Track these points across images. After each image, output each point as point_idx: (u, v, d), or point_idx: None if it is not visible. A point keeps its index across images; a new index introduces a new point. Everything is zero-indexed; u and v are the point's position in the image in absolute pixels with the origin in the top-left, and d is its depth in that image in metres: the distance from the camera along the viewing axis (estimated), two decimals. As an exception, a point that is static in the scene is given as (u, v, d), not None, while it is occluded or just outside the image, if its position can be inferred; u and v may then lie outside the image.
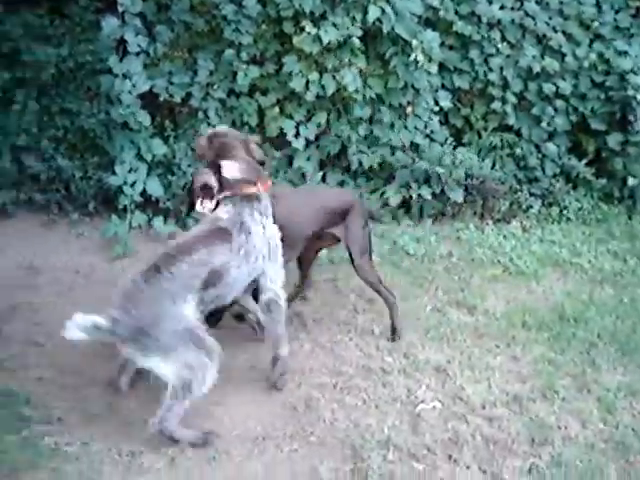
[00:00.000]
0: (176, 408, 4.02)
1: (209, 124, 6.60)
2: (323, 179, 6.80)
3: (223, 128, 4.82)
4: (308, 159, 6.78)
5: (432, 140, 7.03)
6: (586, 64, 7.30)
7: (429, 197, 6.82)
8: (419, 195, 6.82)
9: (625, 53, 7.30)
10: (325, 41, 6.37)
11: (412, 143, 6.91)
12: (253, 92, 6.81)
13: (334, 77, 6.55)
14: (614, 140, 7.39)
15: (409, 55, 6.54)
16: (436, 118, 7.04)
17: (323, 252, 5.90)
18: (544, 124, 7.33)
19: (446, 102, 7.08)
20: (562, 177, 7.42)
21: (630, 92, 7.17)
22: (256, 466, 4.01)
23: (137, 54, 6.38)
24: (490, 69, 7.22)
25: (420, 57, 6.53)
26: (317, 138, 6.84)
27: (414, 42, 6.50)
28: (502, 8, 7.21)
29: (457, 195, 6.88)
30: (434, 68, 6.75)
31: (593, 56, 7.30)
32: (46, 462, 4.01)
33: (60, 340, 4.97)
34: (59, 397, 4.49)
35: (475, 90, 7.33)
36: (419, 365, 4.90)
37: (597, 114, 7.41)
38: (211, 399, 4.31)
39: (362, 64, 6.64)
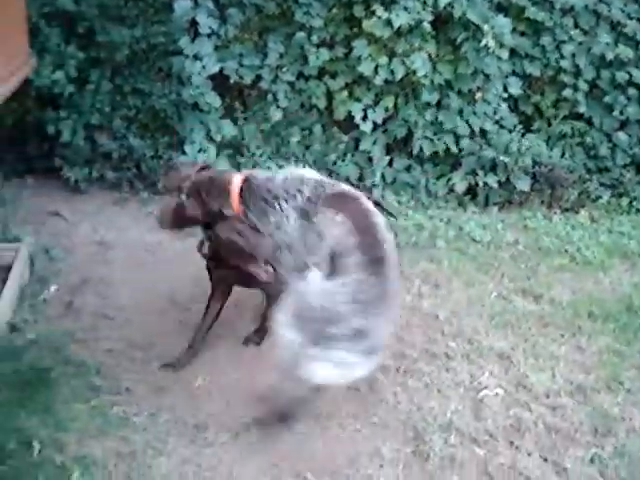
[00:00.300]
0: None
1: (278, 106, 6.66)
2: (390, 164, 6.80)
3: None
4: (374, 143, 6.79)
5: (501, 127, 6.97)
6: (661, 52, 7.16)
7: (495, 185, 6.77)
8: (485, 183, 6.78)
9: (702, 41, 7.13)
10: (395, 25, 6.37)
11: (480, 129, 6.86)
12: (322, 75, 6.85)
13: (403, 62, 6.55)
14: (688, 131, 7.24)
15: (480, 41, 6.50)
16: (505, 105, 6.98)
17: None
18: (616, 113, 7.20)
19: (516, 89, 7.01)
20: (633, 167, 7.28)
21: None
22: (318, 443, 4.07)
23: (208, 36, 6.48)
24: (562, 56, 7.11)
25: (491, 43, 6.48)
26: (384, 122, 6.84)
27: (485, 27, 6.45)
28: (576, -6, 7.10)
29: (523, 184, 6.82)
30: (505, 54, 6.69)
31: (668, 45, 7.15)
32: (114, 431, 4.12)
33: (130, 314, 5.17)
34: (128, 369, 4.61)
35: (546, 77, 7.23)
36: (483, 351, 4.88)
37: (671, 103, 7.26)
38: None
39: (432, 49, 6.62)
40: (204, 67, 6.42)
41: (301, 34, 6.66)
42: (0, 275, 5.34)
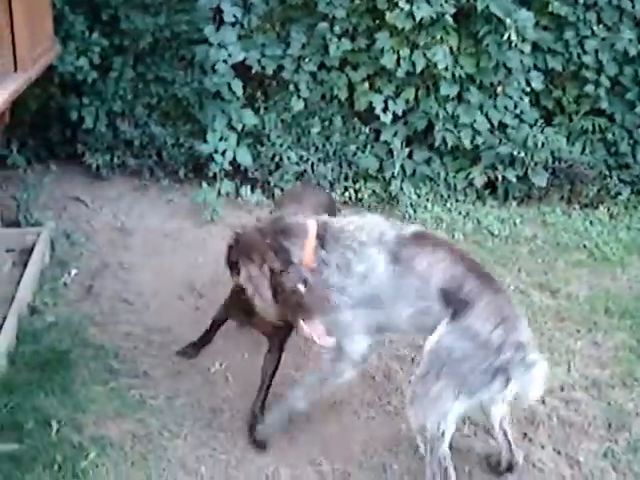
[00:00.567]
0: None
1: (299, 96, 6.69)
2: (409, 156, 6.81)
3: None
4: (395, 135, 6.78)
5: (521, 121, 6.93)
6: (685, 49, 7.10)
7: (514, 179, 6.76)
8: (504, 177, 6.77)
9: None
10: (418, 17, 6.35)
11: (500, 123, 6.85)
12: (344, 66, 6.84)
13: (425, 54, 6.53)
14: None
15: (502, 34, 6.47)
16: (527, 99, 6.95)
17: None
18: (638, 109, 7.15)
19: (538, 83, 6.98)
20: (654, 165, 7.24)
21: None
22: (333, 429, 4.11)
23: (232, 25, 6.49)
24: (585, 51, 7.06)
25: (513, 36, 6.45)
26: (404, 114, 6.84)
27: (508, 21, 6.42)
28: (599, -11, 7.06)
29: (541, 179, 6.80)
30: (527, 48, 6.66)
31: (692, 41, 7.09)
32: (132, 413, 4.19)
33: (148, 299, 5.22)
34: (146, 353, 4.68)
35: (568, 72, 7.18)
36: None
37: (694, 101, 7.20)
38: (292, 363, 4.45)
39: (454, 42, 6.60)
40: (230, 55, 6.44)
41: (324, 25, 6.66)
42: (22, 258, 5.42)
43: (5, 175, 6.58)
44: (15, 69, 4.96)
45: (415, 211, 6.56)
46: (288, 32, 6.83)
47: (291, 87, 6.75)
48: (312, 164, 6.69)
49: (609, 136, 7.14)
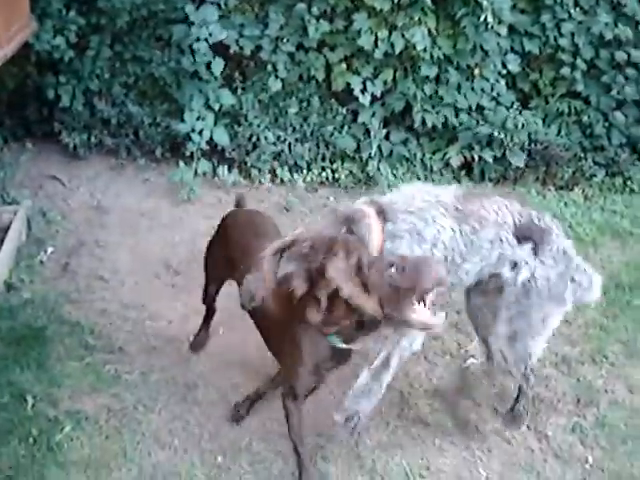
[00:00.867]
0: None
1: (277, 77, 6.69)
2: (387, 137, 6.84)
3: None
4: (372, 115, 6.80)
5: (498, 103, 6.98)
6: (660, 33, 7.17)
7: (490, 160, 6.82)
8: (480, 157, 6.83)
9: (702, 23, 7.14)
10: (396, -1, 6.39)
11: (477, 105, 6.89)
12: (322, 47, 6.85)
13: (403, 35, 6.55)
14: (684, 112, 7.26)
15: (479, 16, 6.51)
16: (503, 81, 6.99)
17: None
18: (613, 92, 7.20)
19: (514, 66, 7.02)
20: (628, 147, 7.29)
21: None
22: (307, 405, 4.16)
23: (212, 3, 6.49)
24: (561, 34, 7.10)
25: (490, 19, 6.48)
26: (382, 95, 6.86)
27: (485, 3, 6.44)
28: (577, -27, 7.10)
29: (518, 160, 6.86)
30: (504, 30, 6.69)
31: (668, 25, 7.15)
32: (107, 388, 4.24)
33: (124, 276, 5.25)
34: (121, 329, 4.72)
35: (544, 55, 7.23)
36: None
37: (669, 84, 7.27)
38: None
39: (432, 23, 6.62)
40: (210, 34, 6.44)
41: (302, 5, 6.65)
42: (-2, 236, 5.43)
43: (-19, 154, 6.57)
44: (-10, 46, 4.95)
45: (392, 191, 6.56)
46: (266, 13, 6.81)
47: (269, 67, 6.75)
48: (289, 144, 6.71)
49: (584, 118, 7.20)
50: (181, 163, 6.49)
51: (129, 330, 4.71)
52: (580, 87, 7.19)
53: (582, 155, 7.14)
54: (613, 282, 5.61)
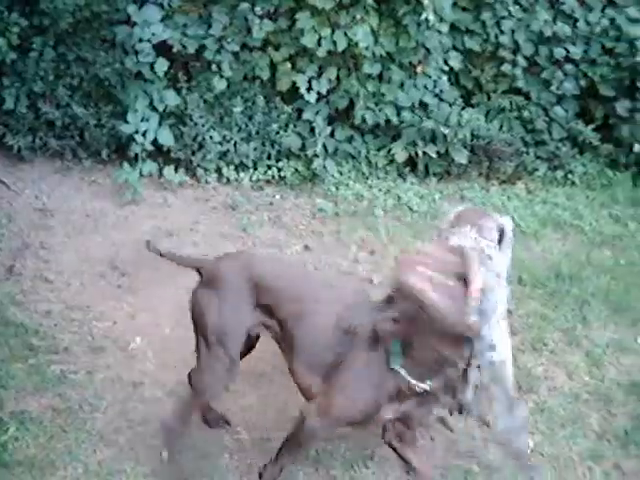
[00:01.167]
0: None
1: (222, 76, 6.72)
2: (332, 134, 6.91)
3: None
4: (317, 113, 6.86)
5: (441, 100, 7.09)
6: (597, 30, 7.31)
7: (434, 156, 6.92)
8: (424, 153, 6.93)
9: (637, 20, 7.29)
10: (338, -2, 6.46)
11: (421, 102, 6.99)
12: (266, 46, 6.90)
13: (346, 34, 6.63)
14: (622, 107, 7.40)
15: (421, 14, 6.60)
16: (446, 78, 7.11)
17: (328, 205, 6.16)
18: (553, 88, 7.35)
19: (456, 63, 7.14)
20: (569, 141, 7.45)
21: (638, 59, 7.19)
22: (251, 399, 4.22)
23: (155, 3, 6.50)
24: (502, 32, 7.24)
25: (431, 17, 6.57)
26: (328, 94, 6.93)
27: (426, 2, 6.51)
28: (516, -29, 7.24)
29: (461, 156, 6.97)
30: (445, 28, 6.80)
31: (605, 22, 7.29)
32: (52, 388, 4.24)
33: (69, 278, 5.25)
34: (66, 329, 4.73)
35: (486, 52, 7.36)
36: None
37: (606, 80, 7.42)
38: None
39: (374, 22, 6.70)
40: (153, 34, 6.45)
41: (245, 5, 6.69)
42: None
43: None
44: None
45: (337, 189, 6.67)
46: (210, 13, 6.84)
47: (213, 67, 6.76)
48: (235, 143, 6.74)
49: (525, 114, 7.33)
50: (125, 164, 6.47)
51: (74, 331, 4.72)
52: (521, 83, 7.34)
53: (524, 150, 7.28)
54: (554, 273, 5.76)
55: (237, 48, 6.80)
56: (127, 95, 6.66)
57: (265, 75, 6.88)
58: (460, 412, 3.82)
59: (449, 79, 7.19)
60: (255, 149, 6.78)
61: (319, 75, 6.83)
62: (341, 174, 6.82)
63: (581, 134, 7.41)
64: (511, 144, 7.18)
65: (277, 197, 6.56)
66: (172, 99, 6.66)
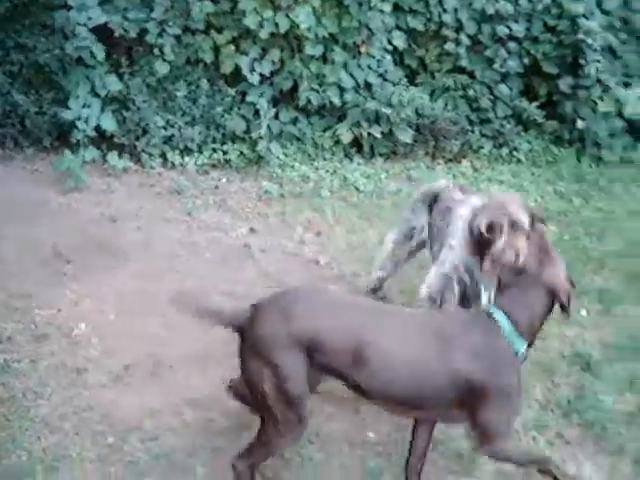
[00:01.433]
0: None
1: (164, 60, 6.66)
2: (276, 116, 6.90)
3: None
4: (261, 96, 6.85)
5: (385, 80, 7.12)
6: (539, 7, 7.39)
7: (379, 136, 6.94)
8: (369, 134, 6.95)
9: (577, -3, 7.41)
10: (280, -21, 6.43)
11: (365, 82, 7.00)
12: (208, 29, 6.86)
13: (288, 15, 6.61)
14: (565, 84, 7.50)
15: (362, -6, 6.62)
16: (390, 58, 7.13)
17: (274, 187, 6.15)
18: (497, 66, 7.42)
19: (400, 42, 7.16)
20: (513, 119, 7.53)
21: (581, 36, 7.28)
22: (197, 380, 4.20)
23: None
24: (444, 10, 7.29)
25: (374, -3, 6.62)
26: (271, 75, 6.91)
27: (367, -19, 6.57)
28: (456, -51, 7.27)
29: (406, 135, 7.00)
30: (388, 8, 6.84)
31: (546, 0, 7.40)
32: (-5, 377, 4.17)
33: (11, 266, 5.16)
34: (9, 318, 4.64)
35: (430, 31, 7.40)
36: (361, 293, 5.04)
37: (549, 57, 7.51)
38: (160, 322, 4.51)
39: (316, 3, 6.71)
40: (90, 18, 6.36)
41: (187, -12, 6.66)
42: None
43: None
44: None
45: (283, 170, 6.66)
46: (151, -4, 6.79)
47: (156, 51, 6.72)
48: (179, 128, 6.70)
49: (470, 92, 7.40)
50: (67, 151, 6.38)
51: (17, 319, 4.63)
52: (465, 62, 7.40)
53: (469, 128, 7.35)
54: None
55: (179, 31, 6.75)
56: (68, 81, 6.58)
57: (208, 58, 6.85)
58: None
59: (393, 59, 7.22)
60: (200, 133, 6.75)
61: (262, 57, 6.81)
62: (287, 156, 6.81)
63: (525, 111, 7.49)
64: (456, 123, 7.24)
65: (223, 180, 6.54)
66: (114, 84, 6.60)
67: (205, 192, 6.30)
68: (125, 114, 6.65)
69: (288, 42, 6.85)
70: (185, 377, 4.25)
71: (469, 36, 7.38)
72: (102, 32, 6.54)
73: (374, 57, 7.04)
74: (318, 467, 3.74)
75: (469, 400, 3.24)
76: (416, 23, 7.27)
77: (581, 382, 4.48)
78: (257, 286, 5.04)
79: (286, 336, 3.17)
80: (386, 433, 4.06)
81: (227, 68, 6.85)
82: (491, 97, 7.47)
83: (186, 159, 6.70)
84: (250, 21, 6.62)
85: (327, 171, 6.74)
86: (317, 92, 6.87)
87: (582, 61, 7.36)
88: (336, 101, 6.89)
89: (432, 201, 4.49)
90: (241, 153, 6.77)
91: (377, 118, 6.94)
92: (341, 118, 7.03)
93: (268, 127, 6.77)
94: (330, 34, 6.82)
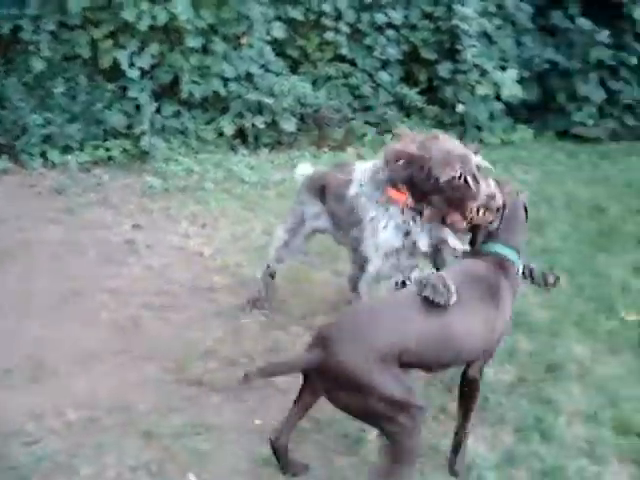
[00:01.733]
0: None
1: (40, 57, 6.53)
2: (158, 110, 6.85)
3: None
4: (142, 90, 6.79)
5: (267, 70, 7.16)
6: (416, -5, 7.57)
7: (263, 126, 6.98)
8: (253, 125, 6.98)
9: (451, -16, 7.59)
10: (154, -29, 6.37)
11: (247, 73, 7.02)
12: (85, 24, 6.75)
13: (165, 7, 6.57)
14: (444, 69, 7.71)
15: (240, -15, 6.63)
16: (270, 48, 7.17)
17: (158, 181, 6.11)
18: (377, 54, 7.56)
19: (280, 33, 7.21)
20: (395, 105, 7.69)
21: (456, 22, 7.48)
22: (81, 380, 4.16)
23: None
24: (324, 0, 7.37)
25: (250, -13, 6.63)
26: (152, 69, 6.85)
27: (244, -28, 6.58)
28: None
29: (290, 125, 7.07)
30: (266, -2, 6.88)
31: (423, -13, 7.56)
32: None
33: None
34: None
35: (310, 21, 7.47)
36: (245, 282, 5.08)
37: (427, 44, 7.70)
38: (42, 323, 4.44)
39: (194, -6, 6.68)
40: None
41: (60, -18, 6.53)
42: None
43: None
44: None
45: (167, 165, 6.63)
46: (23, -9, 6.63)
47: (31, 48, 6.58)
48: (58, 126, 6.58)
49: (352, 80, 7.52)
50: (-60, 153, 6.22)
51: None
52: (345, 50, 7.51)
53: (352, 116, 7.46)
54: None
55: (54, 27, 6.63)
56: (-64, 83, 6.38)
57: (86, 53, 6.76)
58: None
59: (274, 49, 7.25)
60: (80, 130, 6.66)
61: (141, 51, 6.74)
62: (170, 150, 6.78)
63: (406, 97, 7.66)
64: (339, 110, 7.35)
65: (105, 177, 6.47)
66: (-12, 83, 6.43)
67: (87, 190, 6.22)
68: (1, 113, 6.50)
69: (167, 35, 6.81)
70: (67, 378, 4.18)
71: (349, 24, 7.49)
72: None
73: (254, 48, 7.06)
74: (204, 457, 3.76)
75: None
76: (296, 13, 7.34)
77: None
78: (141, 282, 5.02)
79: (376, 353, 3.15)
80: (273, 418, 4.11)
81: (106, 63, 6.77)
82: (372, 84, 7.62)
83: (67, 157, 6.58)
84: (128, 14, 6.55)
85: (211, 164, 6.74)
86: (199, 84, 6.85)
87: (459, 46, 7.57)
88: (219, 93, 6.89)
89: (322, 188, 4.47)
90: (124, 149, 6.71)
91: (260, 109, 6.98)
92: (224, 110, 7.05)
93: (150, 122, 6.72)
94: (209, 25, 6.81)
